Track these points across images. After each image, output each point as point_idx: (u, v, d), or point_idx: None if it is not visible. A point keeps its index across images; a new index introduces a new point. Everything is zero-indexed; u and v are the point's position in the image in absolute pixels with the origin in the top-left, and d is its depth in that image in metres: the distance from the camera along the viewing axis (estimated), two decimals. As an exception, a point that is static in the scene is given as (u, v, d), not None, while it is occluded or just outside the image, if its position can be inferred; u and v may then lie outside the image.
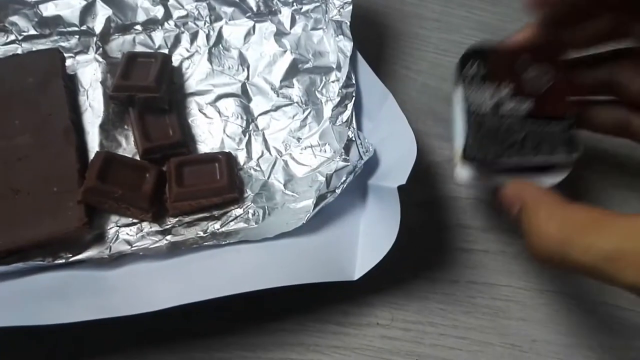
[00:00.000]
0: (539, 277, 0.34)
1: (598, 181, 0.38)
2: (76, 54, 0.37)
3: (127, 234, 0.32)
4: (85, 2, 0.38)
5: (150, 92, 0.34)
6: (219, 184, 0.33)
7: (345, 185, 0.32)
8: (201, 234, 0.32)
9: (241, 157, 0.35)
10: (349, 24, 0.36)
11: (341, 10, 0.37)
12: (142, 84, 0.34)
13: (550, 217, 0.23)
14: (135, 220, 0.32)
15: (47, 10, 0.37)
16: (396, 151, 0.33)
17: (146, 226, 0.32)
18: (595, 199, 0.37)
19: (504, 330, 0.33)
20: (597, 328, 0.33)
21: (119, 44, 0.38)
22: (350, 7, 0.36)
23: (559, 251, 0.22)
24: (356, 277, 0.30)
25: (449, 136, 0.32)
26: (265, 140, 0.36)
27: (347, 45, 0.36)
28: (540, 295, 0.34)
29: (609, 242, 0.21)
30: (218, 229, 0.32)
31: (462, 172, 0.27)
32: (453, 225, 0.36)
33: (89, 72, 0.37)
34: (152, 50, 0.37)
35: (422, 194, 0.36)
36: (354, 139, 0.33)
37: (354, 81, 0.35)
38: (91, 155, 0.34)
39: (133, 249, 0.31)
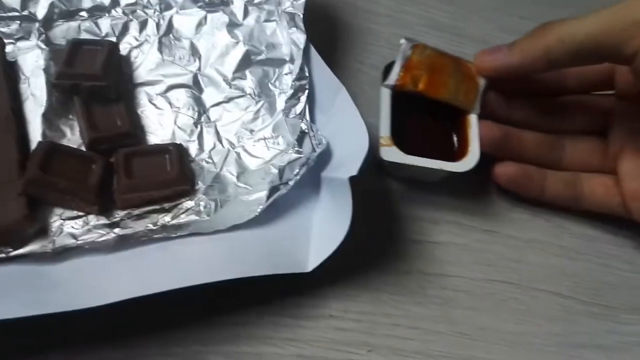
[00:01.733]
0: (487, 268, 0.36)
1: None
2: (17, 40, 0.35)
3: (72, 227, 0.31)
4: (26, -10, 0.36)
5: (97, 80, 0.33)
6: (170, 175, 0.32)
7: (298, 178, 0.32)
8: (151, 226, 0.31)
9: (193, 149, 0.34)
10: (302, 16, 0.36)
11: (294, 2, 0.37)
12: (87, 72, 0.32)
13: None
14: (80, 213, 0.31)
15: (-15, -6, 0.35)
16: (349, 143, 0.33)
17: (92, 219, 0.31)
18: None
19: (454, 319, 0.33)
20: (541, 315, 0.34)
21: (63, 31, 0.36)
22: (303, 1, 0.36)
23: None
24: (310, 268, 0.30)
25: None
26: (217, 132, 0.35)
27: (300, 38, 0.36)
28: (487, 285, 0.35)
29: None
30: (168, 222, 0.31)
31: (387, 152, 0.33)
32: (404, 217, 0.36)
33: (31, 59, 0.35)
34: (98, 38, 0.36)
35: (373, 185, 0.37)
36: (307, 131, 0.33)
37: (307, 74, 0.35)
38: (33, 146, 0.32)
39: (79, 242, 0.30)
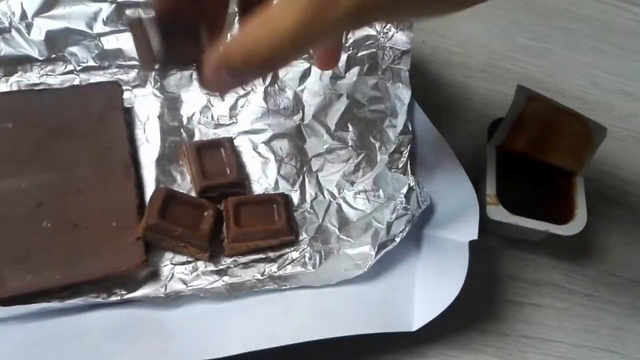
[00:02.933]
0: (589, 335, 0.34)
1: None
2: (134, 87, 0.37)
3: (182, 272, 0.31)
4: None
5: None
6: (277, 225, 0.32)
7: (404, 234, 0.32)
8: (258, 276, 0.31)
9: (295, 198, 0.35)
10: (407, 72, 0.37)
11: (399, 58, 0.37)
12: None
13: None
14: (189, 259, 0.32)
15: (109, 42, 0.37)
16: (452, 201, 0.33)
17: (201, 265, 0.32)
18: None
19: (558, 388, 0.32)
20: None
21: (176, 79, 0.38)
22: (409, 54, 0.37)
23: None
24: (415, 328, 0.30)
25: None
26: (319, 183, 0.36)
27: (405, 93, 0.36)
28: (591, 354, 0.34)
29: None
30: (275, 272, 0.32)
31: (493, 211, 0.33)
32: (504, 276, 0.36)
33: (146, 106, 0.37)
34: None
35: (472, 244, 0.36)
36: (413, 187, 0.33)
37: (410, 129, 0.36)
38: (146, 191, 0.34)
39: (189, 288, 0.31)
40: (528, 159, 0.35)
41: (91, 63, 0.37)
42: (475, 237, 0.29)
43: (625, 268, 0.37)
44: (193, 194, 0.34)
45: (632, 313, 0.35)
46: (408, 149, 0.35)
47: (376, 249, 0.31)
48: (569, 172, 0.35)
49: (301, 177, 0.36)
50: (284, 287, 0.30)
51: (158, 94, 0.37)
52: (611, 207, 0.39)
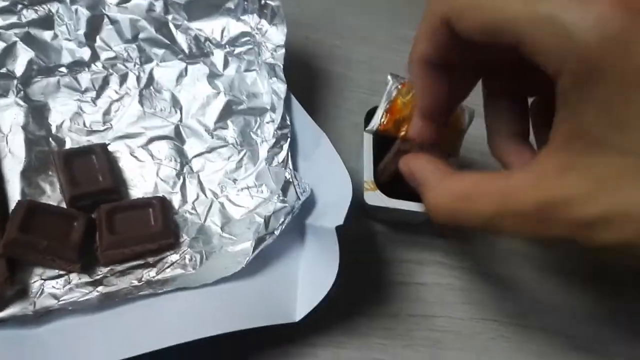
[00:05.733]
0: (473, 307, 0.36)
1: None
2: (-7, 96, 0.35)
3: (54, 287, 0.30)
4: (4, 45, 0.36)
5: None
6: (154, 229, 0.32)
7: (283, 227, 0.32)
8: (135, 282, 0.30)
9: (176, 200, 0.34)
10: (282, 66, 0.37)
11: (274, 53, 0.37)
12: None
13: (437, 191, 0.25)
14: (62, 272, 0.30)
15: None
16: (332, 191, 0.34)
17: (74, 277, 0.30)
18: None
19: (442, 360, 0.33)
20: (533, 352, 0.35)
21: (41, 87, 0.36)
22: (283, 50, 0.37)
23: (452, 220, 0.24)
24: (297, 318, 0.30)
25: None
26: (200, 183, 0.35)
27: (281, 87, 0.37)
28: (475, 324, 0.35)
29: (489, 206, 0.23)
30: (154, 277, 0.31)
31: (370, 196, 0.34)
32: (389, 259, 0.37)
33: (9, 117, 0.35)
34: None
35: (357, 229, 0.37)
36: (291, 180, 0.34)
37: (288, 122, 0.36)
38: (12, 205, 0.32)
39: (60, 303, 0.29)
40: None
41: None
42: (340, 222, 0.29)
43: (504, 240, 0.39)
44: (65, 204, 0.32)
45: (512, 283, 0.38)
46: (288, 142, 0.36)
47: (254, 244, 0.31)
48: (445, 153, 0.37)
49: (182, 178, 0.35)
50: (160, 291, 0.30)
51: (22, 103, 0.35)
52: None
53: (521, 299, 0.37)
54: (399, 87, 0.36)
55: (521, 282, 0.37)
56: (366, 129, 0.36)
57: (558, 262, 0.39)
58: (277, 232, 0.32)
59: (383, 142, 0.36)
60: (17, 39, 0.36)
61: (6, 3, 0.37)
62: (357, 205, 0.34)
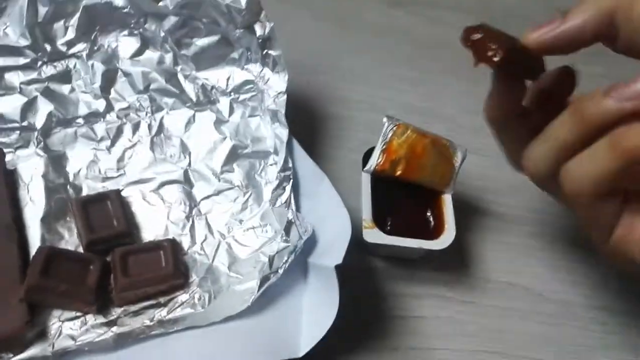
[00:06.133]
0: (472, 339, 0.37)
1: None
2: (16, 148, 0.38)
3: (71, 328, 0.32)
4: (26, 99, 0.39)
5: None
6: (164, 271, 0.34)
7: (287, 265, 0.34)
8: (148, 322, 0.32)
9: (185, 242, 0.36)
10: (283, 112, 0.39)
11: (276, 99, 0.40)
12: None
13: None
14: (79, 314, 0.32)
15: (-13, 108, 0.38)
16: (333, 230, 0.36)
17: (90, 319, 0.32)
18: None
19: (443, 393, 0.35)
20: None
21: (60, 138, 0.39)
22: (285, 97, 0.39)
23: None
24: (301, 353, 0.31)
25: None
26: (208, 224, 0.37)
27: (283, 132, 0.39)
28: (474, 357, 0.36)
29: None
30: (165, 316, 0.33)
31: (368, 234, 0.35)
32: (389, 294, 0.38)
33: (30, 166, 0.37)
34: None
35: (358, 264, 0.39)
36: (293, 220, 0.35)
37: (290, 165, 0.38)
38: (32, 251, 0.34)
39: (77, 343, 0.31)
40: (402, 182, 0.38)
41: (-29, 129, 0.37)
42: (339, 261, 0.31)
43: (500, 273, 0.40)
44: (82, 249, 0.35)
45: (510, 314, 0.39)
46: (290, 183, 0.38)
47: (259, 283, 0.33)
48: (439, 190, 0.39)
49: (191, 220, 0.37)
50: (171, 331, 0.31)
51: (42, 153, 0.38)
52: (481, 217, 0.43)
53: (518, 332, 0.38)
54: (394, 128, 0.38)
55: (517, 314, 0.39)
56: (364, 169, 0.38)
57: (556, 294, 0.40)
58: (280, 271, 0.33)
59: (381, 181, 0.38)
60: (37, 93, 0.39)
61: (27, 60, 0.40)
62: (358, 242, 0.35)
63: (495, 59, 0.25)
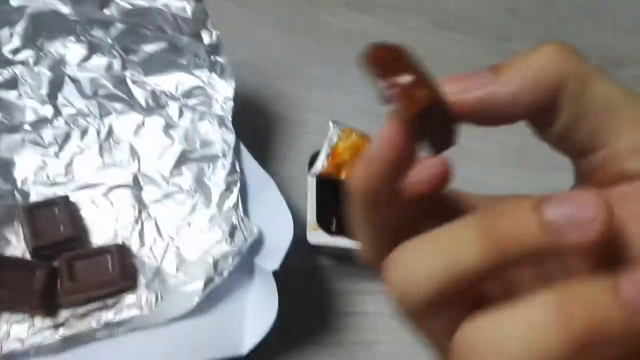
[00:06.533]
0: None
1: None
2: (-38, 154, 0.38)
3: (19, 330, 0.33)
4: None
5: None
6: (111, 275, 0.34)
7: (232, 268, 0.35)
8: (94, 325, 0.33)
9: (134, 245, 0.37)
10: (230, 118, 0.40)
11: (223, 105, 0.41)
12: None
13: None
14: (27, 317, 0.33)
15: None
16: (277, 233, 0.37)
17: (38, 322, 0.33)
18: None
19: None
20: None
21: (7, 144, 0.39)
22: (231, 102, 0.40)
23: None
24: (245, 351, 0.33)
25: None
26: (157, 228, 0.38)
27: (230, 137, 0.40)
28: (413, 347, 0.38)
29: None
30: (112, 319, 0.34)
31: (312, 236, 0.37)
32: (335, 291, 0.40)
33: (-24, 172, 0.37)
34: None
35: (306, 264, 0.40)
36: (238, 223, 0.37)
37: (238, 169, 0.39)
38: (-21, 256, 0.34)
39: (25, 346, 0.32)
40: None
41: None
42: (276, 267, 0.33)
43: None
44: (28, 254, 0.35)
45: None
46: (238, 186, 0.39)
47: (204, 284, 0.34)
48: None
49: (140, 223, 0.38)
50: (117, 334, 0.32)
51: (-12, 160, 0.38)
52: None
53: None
54: (339, 133, 0.39)
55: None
56: (309, 172, 0.39)
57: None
58: (225, 273, 0.35)
59: (328, 183, 0.39)
60: (-16, 99, 0.39)
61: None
62: (306, 242, 0.37)
63: (420, 103, 0.15)
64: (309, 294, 0.39)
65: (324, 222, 0.38)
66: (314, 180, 0.39)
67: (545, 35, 0.58)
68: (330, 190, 0.40)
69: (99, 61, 0.42)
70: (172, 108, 0.43)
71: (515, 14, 0.60)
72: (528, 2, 0.62)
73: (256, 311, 0.34)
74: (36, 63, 0.41)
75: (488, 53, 0.56)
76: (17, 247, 0.36)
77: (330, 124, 0.40)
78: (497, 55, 0.55)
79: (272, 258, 0.33)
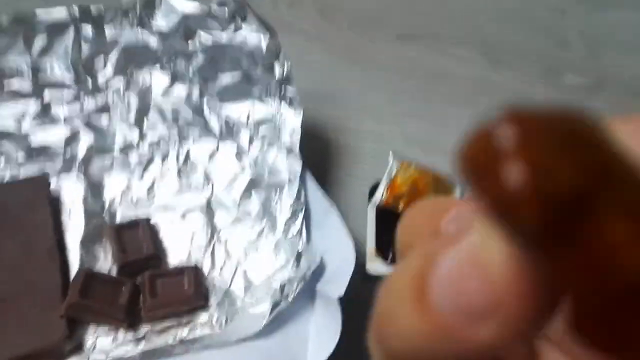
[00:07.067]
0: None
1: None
2: (59, 173, 0.42)
3: (105, 343, 0.36)
4: (70, 129, 0.43)
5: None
6: (187, 293, 0.38)
7: (296, 293, 0.37)
8: (171, 341, 0.36)
9: (206, 266, 0.40)
10: (298, 146, 0.42)
11: (291, 135, 0.43)
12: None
13: None
14: (112, 330, 0.37)
15: (37, 138, 0.43)
16: (339, 260, 0.39)
17: (121, 335, 0.37)
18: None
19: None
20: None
21: (99, 166, 0.43)
22: (299, 133, 0.43)
23: None
24: (307, 375, 0.35)
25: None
26: (227, 251, 0.41)
27: (297, 165, 0.42)
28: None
29: None
30: (186, 336, 0.37)
31: (371, 266, 0.39)
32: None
33: (71, 191, 0.42)
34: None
35: (364, 292, 0.42)
36: (303, 250, 0.39)
37: (303, 197, 0.41)
38: (73, 270, 0.38)
39: (108, 358, 0.35)
40: None
41: (20, 159, 0.42)
42: (341, 293, 0.34)
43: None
44: (115, 270, 0.39)
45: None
46: (303, 213, 0.41)
47: (270, 307, 0.36)
48: None
49: (211, 246, 0.41)
50: (191, 349, 0.35)
51: (82, 179, 0.42)
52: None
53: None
54: (399, 165, 0.41)
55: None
56: (369, 204, 0.41)
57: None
58: (290, 297, 0.37)
59: (384, 214, 0.41)
60: (80, 124, 0.44)
61: (71, 93, 0.44)
62: (362, 270, 0.39)
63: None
64: (365, 322, 0.40)
65: (381, 252, 0.39)
66: (374, 210, 0.41)
67: (597, 67, 0.56)
68: (388, 221, 0.41)
69: (180, 90, 0.45)
70: (244, 136, 0.45)
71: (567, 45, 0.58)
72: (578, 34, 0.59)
73: (318, 336, 0.36)
74: (126, 90, 0.45)
75: (540, 86, 0.55)
76: (105, 263, 0.39)
77: (390, 156, 0.41)
78: (545, 87, 0.54)
79: (334, 284, 0.35)
